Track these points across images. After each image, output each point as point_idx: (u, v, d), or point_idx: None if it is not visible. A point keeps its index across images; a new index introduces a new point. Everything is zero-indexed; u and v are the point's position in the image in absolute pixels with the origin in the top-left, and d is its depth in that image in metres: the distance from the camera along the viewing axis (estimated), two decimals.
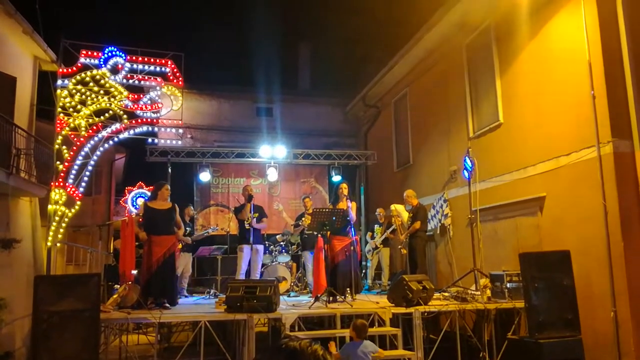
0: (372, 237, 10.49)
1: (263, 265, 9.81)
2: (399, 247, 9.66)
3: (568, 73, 7.27)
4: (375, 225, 10.58)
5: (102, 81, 10.01)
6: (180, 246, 9.33)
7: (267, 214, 9.31)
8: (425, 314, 6.64)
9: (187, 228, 9.43)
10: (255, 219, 8.68)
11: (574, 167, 7.07)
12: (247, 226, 8.57)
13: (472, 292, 7.40)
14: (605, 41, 6.74)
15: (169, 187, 7.61)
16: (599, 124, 6.62)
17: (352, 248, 7.81)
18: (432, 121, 11.26)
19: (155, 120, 10.45)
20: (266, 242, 10.35)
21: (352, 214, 7.92)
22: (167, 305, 6.97)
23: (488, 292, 7.30)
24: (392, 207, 9.78)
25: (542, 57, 7.86)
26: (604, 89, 6.64)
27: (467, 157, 8.30)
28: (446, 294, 7.69)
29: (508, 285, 6.95)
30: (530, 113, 8.09)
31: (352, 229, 7.92)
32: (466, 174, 8.34)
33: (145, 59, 10.45)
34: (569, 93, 7.23)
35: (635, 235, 6.37)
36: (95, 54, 10.14)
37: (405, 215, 9.38)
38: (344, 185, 8.36)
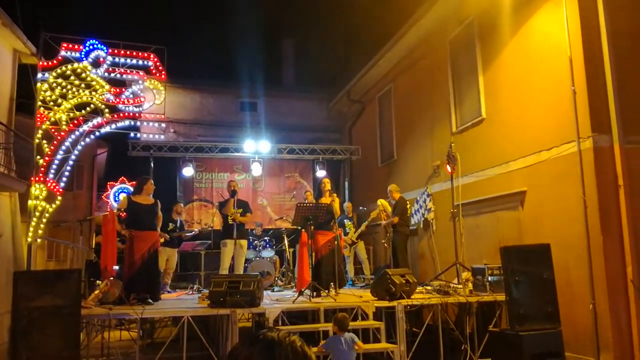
0: (344, 233, 10.43)
1: (247, 260, 9.79)
2: (383, 241, 9.70)
3: (550, 68, 7.34)
4: (345, 220, 10.54)
5: (84, 75, 9.89)
6: (161, 240, 9.27)
7: (251, 209, 9.28)
8: (408, 307, 6.68)
9: (170, 223, 9.37)
10: (239, 214, 8.65)
11: (554, 162, 7.15)
12: (230, 221, 8.52)
13: (454, 285, 7.47)
14: (586, 37, 6.82)
15: (153, 182, 7.54)
16: (579, 119, 6.70)
17: (335, 243, 7.83)
18: (416, 116, 11.31)
19: (137, 115, 10.36)
20: (250, 238, 10.32)
21: (336, 211, 7.94)
22: (150, 300, 6.92)
23: (470, 285, 7.37)
24: (379, 202, 9.81)
25: (524, 53, 7.93)
26: (585, 84, 6.72)
27: (449, 152, 8.36)
28: (429, 288, 7.76)
29: (489, 278, 7.02)
30: (512, 108, 8.17)
31: (336, 224, 7.94)
32: (449, 168, 8.39)
33: (128, 52, 10.35)
34: (551, 88, 7.31)
35: (614, 229, 6.47)
36: (76, 47, 10.00)
37: (389, 210, 9.44)
38: (327, 180, 8.41)
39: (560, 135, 7.06)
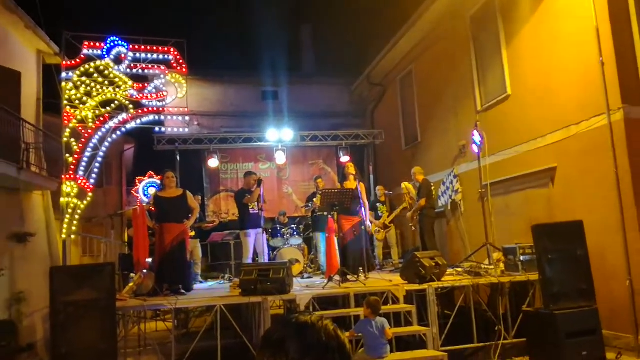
0: (376, 217, 10.37)
1: (275, 248, 9.84)
2: (410, 224, 9.64)
3: (575, 41, 7.14)
4: (378, 204, 10.47)
5: (106, 72, 10.00)
6: (193, 233, 9.39)
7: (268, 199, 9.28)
8: (439, 289, 6.64)
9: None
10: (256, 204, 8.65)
11: (584, 136, 6.98)
12: (251, 211, 8.51)
13: (486, 266, 7.39)
14: (613, 6, 6.61)
15: (171, 175, 7.56)
16: (608, 91, 6.52)
17: (362, 227, 7.81)
18: (439, 96, 11.14)
19: (161, 109, 10.44)
20: (277, 226, 10.37)
21: (363, 197, 7.88)
22: (183, 291, 7.03)
23: (501, 265, 7.28)
24: (403, 185, 9.75)
25: (548, 26, 7.72)
26: (613, 56, 6.52)
27: (475, 131, 8.21)
28: (459, 270, 7.69)
29: (521, 258, 6.92)
30: (538, 83, 7.98)
31: (362, 208, 7.89)
32: (475, 148, 8.26)
33: (148, 48, 10.42)
34: (577, 61, 7.11)
35: None
36: (97, 44, 10.11)
37: (413, 193, 9.36)
38: (350, 164, 8.37)
39: (589, 109, 6.87)
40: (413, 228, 9.39)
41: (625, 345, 6.33)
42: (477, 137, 8.15)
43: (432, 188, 9.51)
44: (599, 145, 6.69)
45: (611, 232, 6.48)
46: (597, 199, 6.75)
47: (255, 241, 8.44)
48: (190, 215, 7.56)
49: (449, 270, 7.44)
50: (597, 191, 6.77)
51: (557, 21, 7.52)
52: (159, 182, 11.09)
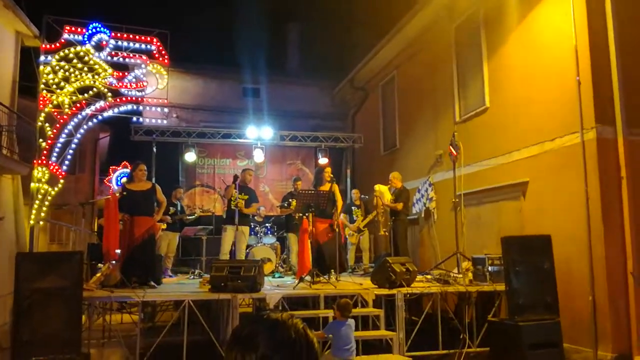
0: (350, 220, 10.39)
1: (248, 246, 9.81)
2: (383, 230, 9.71)
3: (555, 58, 7.29)
4: (353, 207, 10.50)
5: (86, 58, 9.82)
6: (164, 226, 9.31)
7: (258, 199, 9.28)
8: (408, 295, 6.71)
9: (171, 207, 9.39)
10: (244, 201, 8.65)
11: (557, 153, 7.13)
12: (233, 207, 8.52)
13: (455, 274, 7.50)
14: (592, 27, 6.77)
15: (143, 168, 7.48)
16: (583, 110, 6.67)
17: (335, 230, 7.85)
18: (420, 105, 11.26)
19: (140, 99, 10.30)
20: (251, 224, 10.34)
21: (337, 198, 7.94)
22: (152, 283, 6.96)
23: (470, 275, 7.40)
24: (376, 187, 9.78)
25: (529, 42, 7.87)
26: (590, 75, 6.68)
27: (452, 141, 8.33)
28: (429, 277, 7.79)
29: (490, 268, 7.04)
30: (516, 98, 8.13)
31: (337, 211, 7.94)
32: (451, 158, 8.37)
33: (131, 36, 10.27)
34: (555, 78, 7.27)
35: (616, 221, 6.47)
36: (79, 30, 9.92)
37: (387, 197, 9.39)
38: (328, 169, 8.40)
39: (563, 126, 7.03)
40: (385, 233, 9.46)
41: (584, 359, 6.49)
42: (453, 148, 8.26)
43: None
44: (570, 162, 6.84)
45: (578, 248, 6.63)
46: (566, 214, 6.91)
47: (235, 238, 8.47)
48: (157, 208, 7.50)
49: (419, 277, 7.53)
50: (566, 207, 6.92)
51: (538, 38, 7.68)
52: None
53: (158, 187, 7.60)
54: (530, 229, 7.42)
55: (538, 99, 7.59)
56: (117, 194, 7.42)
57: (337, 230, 7.88)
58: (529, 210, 7.70)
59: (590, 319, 6.36)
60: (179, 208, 9.94)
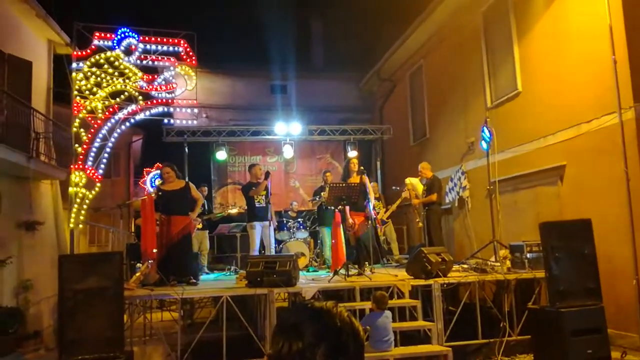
0: None
1: (281, 241, 9.87)
2: (417, 220, 9.63)
3: (588, 38, 7.09)
4: (374, 200, 10.43)
5: (117, 63, 10.02)
6: (200, 225, 9.43)
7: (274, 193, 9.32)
8: (445, 285, 6.63)
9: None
10: (263, 197, 8.68)
11: (594, 135, 6.94)
12: (257, 204, 8.56)
13: (492, 263, 7.38)
14: (627, 4, 6.55)
15: (166, 170, 7.47)
16: (620, 90, 6.47)
17: (369, 222, 7.81)
18: (449, 93, 11.10)
19: (170, 101, 10.45)
20: (283, 219, 10.40)
21: (370, 191, 7.88)
22: (194, 280, 7.09)
23: (508, 263, 7.26)
24: (407, 180, 9.70)
25: (560, 23, 7.67)
26: (626, 54, 6.47)
27: (485, 128, 8.18)
28: (465, 266, 7.68)
29: (528, 255, 6.90)
30: (549, 80, 7.93)
31: (369, 203, 7.89)
32: (484, 145, 8.23)
33: (158, 39, 10.42)
34: (589, 58, 7.06)
35: None
36: (108, 35, 10.12)
37: (419, 189, 9.30)
38: (354, 160, 8.33)
39: (600, 107, 6.83)
40: (420, 224, 9.37)
41: (630, 344, 6.32)
42: (486, 134, 8.12)
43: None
44: (609, 144, 6.65)
45: (619, 231, 6.45)
46: (606, 197, 6.72)
47: (262, 234, 8.47)
48: (194, 206, 7.59)
49: (455, 267, 7.44)
50: (606, 190, 6.73)
51: (570, 18, 7.47)
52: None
53: (192, 186, 7.67)
54: (568, 214, 7.24)
55: (572, 81, 7.39)
56: (153, 195, 7.54)
57: (370, 222, 7.84)
58: (567, 195, 7.52)
59: (635, 303, 6.18)
60: (205, 207, 10.04)
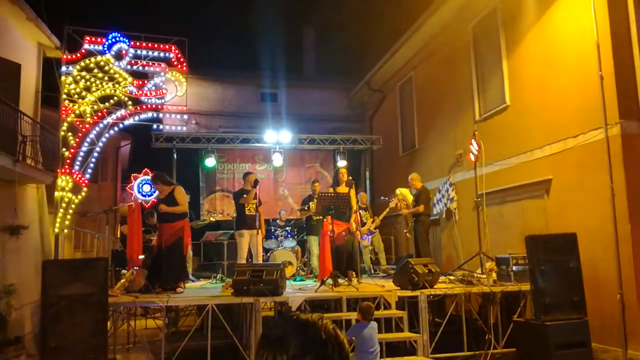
0: (361, 224, 10.31)
1: (269, 250, 9.83)
2: (405, 231, 9.65)
3: (575, 54, 7.19)
4: (360, 211, 10.44)
5: (107, 67, 9.96)
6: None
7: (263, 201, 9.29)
8: (431, 297, 6.65)
9: None
10: (254, 205, 8.65)
11: (581, 149, 7.02)
12: (247, 212, 8.53)
13: (478, 275, 7.41)
14: (614, 21, 6.65)
15: (157, 183, 7.54)
16: (606, 106, 6.56)
17: (350, 232, 7.84)
18: (438, 105, 11.19)
19: (159, 106, 10.40)
20: (271, 228, 10.37)
21: (353, 203, 7.92)
22: (180, 289, 7.03)
23: (494, 275, 7.30)
24: (397, 191, 9.75)
25: (549, 39, 7.77)
26: (612, 70, 6.56)
27: (473, 140, 8.25)
28: (452, 278, 7.70)
29: (514, 268, 6.94)
30: (537, 95, 8.02)
31: (354, 213, 7.92)
32: (472, 157, 8.29)
33: (149, 45, 10.38)
34: (576, 74, 7.16)
35: None
36: (99, 40, 10.06)
37: (409, 199, 9.36)
38: (343, 170, 8.38)
39: (586, 122, 6.92)
40: (408, 235, 9.39)
41: (613, 358, 6.35)
42: (474, 147, 8.18)
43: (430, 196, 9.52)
44: (595, 159, 6.73)
45: (604, 246, 6.51)
46: (592, 212, 6.79)
47: (250, 242, 8.45)
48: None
49: (441, 278, 7.45)
50: (591, 204, 6.80)
51: (558, 34, 7.57)
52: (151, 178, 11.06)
53: (177, 188, 7.53)
54: (554, 227, 7.31)
55: (559, 96, 7.49)
56: (140, 202, 7.50)
57: (352, 233, 7.87)
58: (553, 209, 7.59)
59: (619, 317, 6.23)
60: (193, 215, 10.00)
